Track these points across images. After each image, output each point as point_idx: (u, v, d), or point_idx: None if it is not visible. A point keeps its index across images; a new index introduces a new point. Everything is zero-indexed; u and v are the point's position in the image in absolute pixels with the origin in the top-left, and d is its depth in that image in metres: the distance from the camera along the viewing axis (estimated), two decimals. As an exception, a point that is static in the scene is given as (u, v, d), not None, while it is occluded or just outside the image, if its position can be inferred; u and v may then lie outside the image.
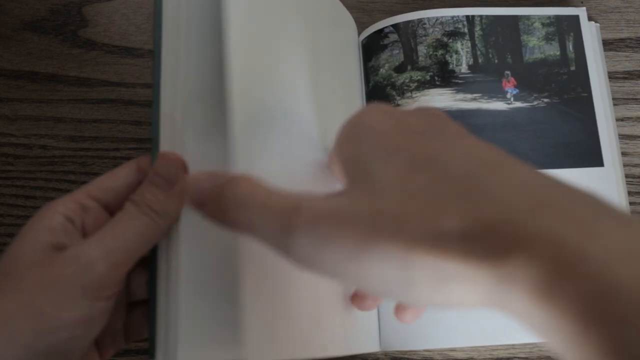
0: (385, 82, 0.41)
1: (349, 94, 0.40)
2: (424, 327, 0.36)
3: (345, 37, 0.41)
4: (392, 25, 0.42)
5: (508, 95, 0.40)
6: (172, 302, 0.27)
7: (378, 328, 0.38)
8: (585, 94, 0.40)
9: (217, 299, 0.28)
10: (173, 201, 0.28)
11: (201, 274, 0.28)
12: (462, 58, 0.41)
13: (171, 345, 0.27)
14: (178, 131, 0.29)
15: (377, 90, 0.41)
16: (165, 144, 0.29)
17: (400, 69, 0.41)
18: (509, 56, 0.41)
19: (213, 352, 0.27)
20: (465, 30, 0.41)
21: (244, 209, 0.23)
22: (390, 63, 0.41)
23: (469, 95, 0.40)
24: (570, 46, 0.41)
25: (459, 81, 0.41)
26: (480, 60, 0.41)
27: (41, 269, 0.26)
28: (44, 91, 0.47)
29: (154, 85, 0.30)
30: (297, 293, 0.30)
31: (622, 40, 0.45)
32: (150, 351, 0.28)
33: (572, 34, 0.41)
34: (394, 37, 0.41)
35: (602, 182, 0.38)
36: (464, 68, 0.41)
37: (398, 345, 0.37)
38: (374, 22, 0.46)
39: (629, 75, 0.44)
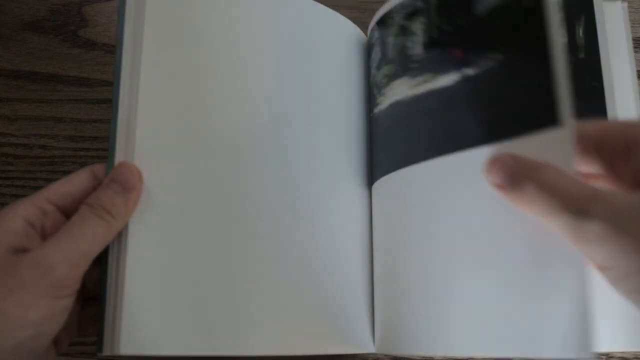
0: (372, 82, 0.40)
1: (348, 100, 0.40)
2: (421, 331, 0.34)
3: (346, 46, 0.41)
4: (376, 23, 0.40)
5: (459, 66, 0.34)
6: (119, 299, 0.30)
7: (371, 328, 0.37)
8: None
9: (170, 297, 0.31)
10: (129, 206, 0.30)
11: (151, 273, 0.31)
12: (417, 39, 0.36)
13: (115, 340, 0.29)
14: (131, 142, 0.32)
15: (370, 91, 0.40)
16: (121, 154, 0.32)
17: (379, 66, 0.39)
18: (462, 19, 0.34)
19: (157, 348, 0.30)
20: (421, 3, 0.36)
21: (547, 192, 0.25)
22: (374, 61, 0.40)
23: (421, 78, 0.35)
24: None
25: (414, 65, 0.36)
26: (435, 35, 0.35)
27: (6, 273, 0.27)
28: (44, 91, 0.47)
29: (113, 97, 0.33)
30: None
31: (622, 40, 0.45)
32: (98, 345, 0.30)
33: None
34: (377, 34, 0.40)
35: (562, 147, 0.28)
36: (418, 49, 0.35)
37: (394, 349, 0.35)
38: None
39: (629, 75, 0.44)
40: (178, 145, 0.33)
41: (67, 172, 0.44)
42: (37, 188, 0.44)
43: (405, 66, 0.36)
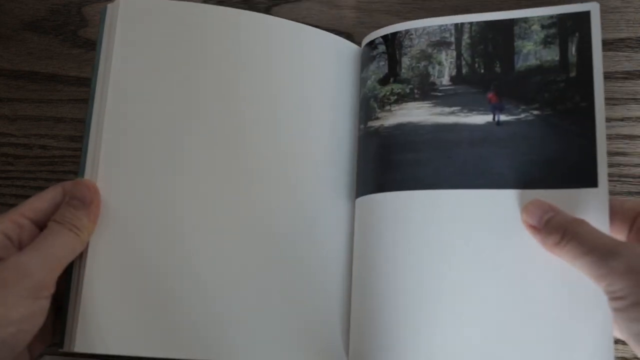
0: (370, 94, 0.40)
1: (337, 109, 0.41)
2: (397, 346, 0.35)
3: (334, 60, 0.41)
4: (382, 37, 0.40)
5: (492, 109, 0.37)
6: (77, 305, 0.34)
7: (346, 342, 0.37)
8: (585, 104, 0.35)
9: (122, 304, 0.34)
10: (91, 218, 0.34)
11: (106, 283, 0.34)
12: (444, 69, 0.38)
13: (73, 336, 0.34)
14: (96, 161, 0.36)
15: (363, 103, 0.40)
16: (88, 174, 0.36)
17: (384, 82, 0.39)
18: (498, 65, 0.37)
19: (106, 348, 0.34)
20: (452, 39, 0.39)
21: (578, 240, 0.31)
22: (376, 75, 0.40)
23: (447, 109, 0.37)
24: (573, 49, 0.36)
25: (439, 94, 0.38)
26: (464, 71, 0.38)
27: None
28: (44, 91, 0.47)
29: (86, 120, 0.37)
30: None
31: (622, 40, 0.45)
32: (60, 342, 0.34)
33: (577, 34, 0.36)
34: (382, 48, 0.40)
35: (595, 205, 0.33)
36: (445, 80, 0.38)
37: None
38: (374, 22, 0.46)
39: (629, 75, 0.44)
40: (139, 166, 0.36)
41: (67, 172, 0.45)
42: (37, 188, 0.44)
43: (426, 92, 0.38)
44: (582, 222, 0.32)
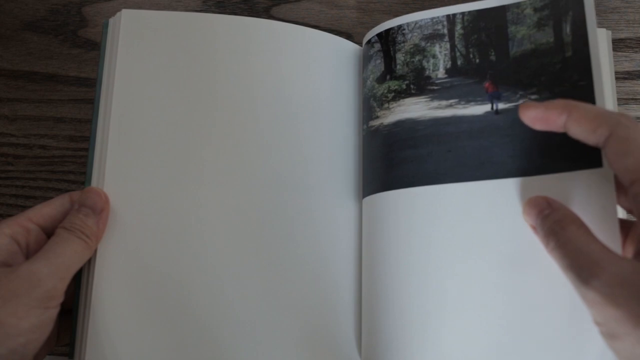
0: (369, 94, 0.40)
1: (342, 112, 0.41)
2: (410, 345, 0.35)
3: (338, 61, 0.41)
4: (376, 35, 0.40)
5: (489, 98, 0.37)
6: (87, 314, 0.34)
7: (358, 341, 0.37)
8: (584, 82, 0.33)
9: (134, 314, 0.34)
10: (100, 226, 0.34)
11: (117, 290, 0.34)
12: (439, 62, 0.38)
13: (83, 347, 0.34)
14: (102, 169, 0.36)
15: (365, 103, 0.40)
16: (94, 182, 0.36)
17: (381, 80, 0.39)
18: (493, 53, 0.37)
19: (118, 354, 0.34)
20: (445, 31, 0.38)
21: (562, 250, 0.29)
22: (374, 74, 0.40)
23: (444, 102, 0.37)
24: (567, 29, 0.35)
25: (435, 87, 0.37)
26: (459, 63, 0.37)
27: (0, 286, 0.30)
28: (44, 91, 0.47)
29: (91, 129, 0.37)
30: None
31: (622, 40, 0.45)
32: (69, 352, 0.34)
33: (570, 13, 0.35)
34: (377, 46, 0.40)
35: (601, 184, 0.32)
36: (440, 73, 0.38)
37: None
38: (374, 23, 0.46)
39: (629, 75, 0.44)
40: (146, 173, 0.36)
41: (67, 172, 0.45)
42: (37, 188, 0.44)
43: (422, 86, 0.38)
44: (571, 224, 0.30)
